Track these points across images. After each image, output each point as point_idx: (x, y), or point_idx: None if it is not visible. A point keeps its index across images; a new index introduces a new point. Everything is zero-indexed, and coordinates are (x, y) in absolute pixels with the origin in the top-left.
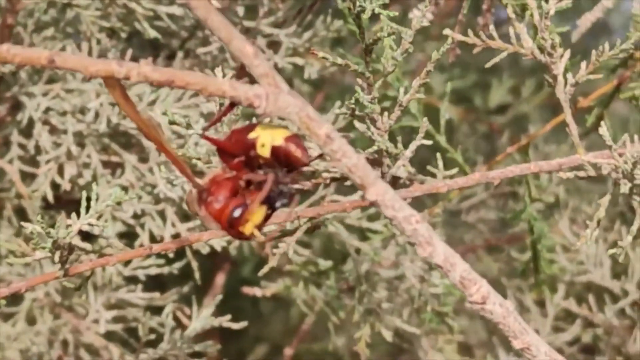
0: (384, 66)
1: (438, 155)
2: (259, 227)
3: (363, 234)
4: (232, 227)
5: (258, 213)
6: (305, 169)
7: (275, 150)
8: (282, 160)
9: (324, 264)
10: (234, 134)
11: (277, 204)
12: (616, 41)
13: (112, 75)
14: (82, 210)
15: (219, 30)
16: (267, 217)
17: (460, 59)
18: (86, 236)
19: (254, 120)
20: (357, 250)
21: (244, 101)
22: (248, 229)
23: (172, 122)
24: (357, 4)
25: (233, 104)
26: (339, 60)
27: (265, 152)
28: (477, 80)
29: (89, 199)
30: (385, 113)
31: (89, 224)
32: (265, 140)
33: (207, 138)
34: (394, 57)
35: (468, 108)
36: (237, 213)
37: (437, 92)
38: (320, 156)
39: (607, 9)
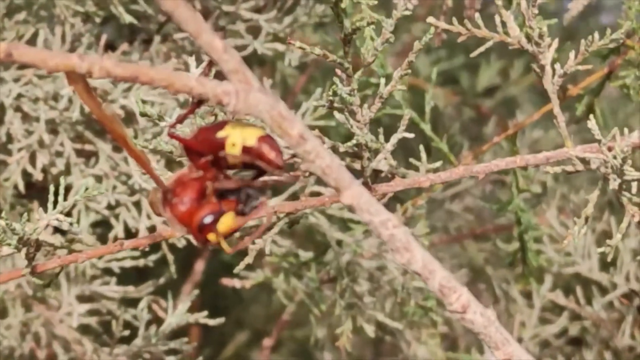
0: (363, 57)
1: (421, 147)
2: (226, 235)
3: (345, 224)
4: (200, 232)
5: (227, 222)
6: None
7: (246, 150)
8: (254, 161)
9: (305, 255)
10: (202, 132)
11: (247, 211)
12: (606, 28)
13: (72, 70)
14: (50, 205)
15: (186, 23)
16: (236, 226)
17: (447, 40)
18: (57, 229)
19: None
20: (339, 242)
21: (213, 98)
22: (215, 237)
23: (143, 114)
24: None
25: (201, 101)
26: (317, 51)
27: (235, 151)
28: (464, 61)
29: (56, 193)
30: (365, 105)
31: (57, 220)
32: (236, 139)
33: (173, 136)
34: (374, 47)
35: (455, 90)
36: (208, 220)
37: (423, 74)
38: (292, 158)
39: None
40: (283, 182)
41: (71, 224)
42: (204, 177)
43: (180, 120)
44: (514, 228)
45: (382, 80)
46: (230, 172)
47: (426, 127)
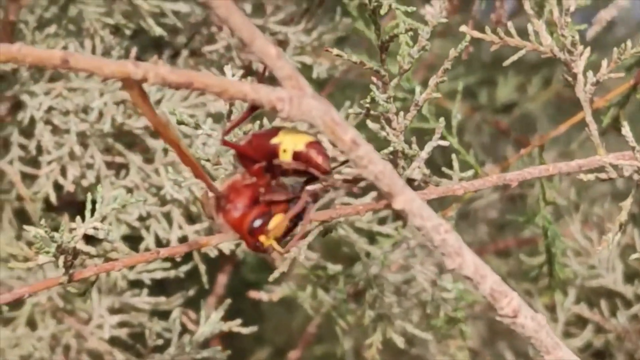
0: (400, 64)
1: (454, 156)
2: (279, 239)
3: (372, 237)
4: (251, 236)
5: (279, 225)
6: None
7: (296, 156)
8: (303, 166)
9: (333, 268)
10: (255, 138)
11: (302, 215)
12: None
13: (127, 76)
14: (87, 213)
15: (240, 30)
16: (287, 231)
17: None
18: (88, 239)
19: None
20: (367, 254)
21: (267, 104)
22: (267, 240)
23: (180, 122)
24: None
25: (253, 108)
26: (354, 58)
27: (287, 157)
28: (482, 77)
29: (93, 202)
30: (401, 113)
31: (94, 228)
32: (288, 145)
33: (226, 143)
34: (410, 55)
35: (473, 106)
36: (257, 223)
37: (442, 90)
38: (344, 163)
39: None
40: (332, 187)
41: (108, 232)
42: (257, 183)
43: (233, 127)
44: (540, 241)
45: (417, 89)
46: (282, 178)
47: (453, 141)
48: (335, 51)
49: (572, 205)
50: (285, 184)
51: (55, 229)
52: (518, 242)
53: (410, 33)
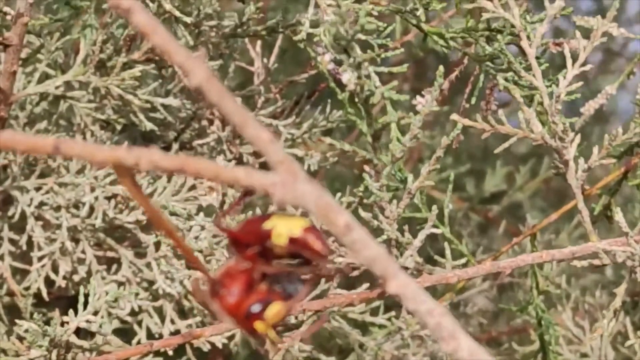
0: (392, 153)
1: (446, 245)
2: (275, 326)
3: (365, 328)
4: (248, 321)
5: (275, 310)
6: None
7: (293, 241)
8: (300, 251)
9: (327, 359)
10: (248, 223)
11: (297, 299)
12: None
13: (119, 162)
14: (80, 306)
15: (232, 115)
16: (283, 316)
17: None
18: (81, 332)
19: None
20: (361, 345)
21: (260, 189)
22: (264, 327)
23: (172, 213)
24: (366, 87)
25: (247, 193)
26: (347, 147)
27: (281, 241)
28: (470, 168)
29: (86, 295)
30: (394, 201)
31: (87, 321)
32: (282, 230)
33: (221, 228)
34: (402, 143)
35: (461, 197)
36: (256, 308)
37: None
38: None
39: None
40: (327, 273)
41: (100, 325)
42: (251, 268)
43: (228, 212)
44: (531, 329)
45: (410, 177)
46: (276, 262)
47: (445, 230)
48: (329, 140)
49: (564, 294)
50: (279, 268)
51: (47, 323)
52: (510, 330)
53: (403, 121)
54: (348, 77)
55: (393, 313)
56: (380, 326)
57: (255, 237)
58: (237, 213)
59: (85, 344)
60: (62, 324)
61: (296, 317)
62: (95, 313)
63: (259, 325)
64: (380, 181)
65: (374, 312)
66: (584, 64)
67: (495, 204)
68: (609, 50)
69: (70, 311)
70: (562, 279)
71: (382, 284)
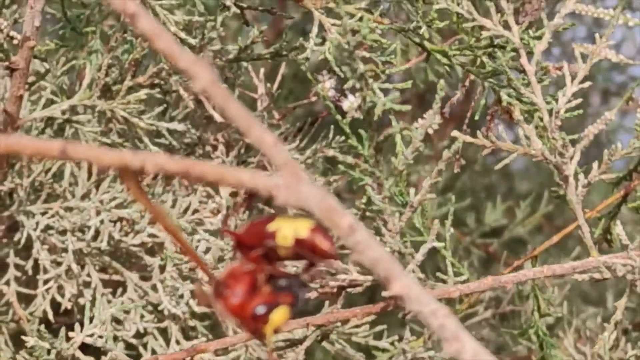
0: (394, 165)
1: (448, 262)
2: (278, 329)
3: (369, 352)
4: (254, 322)
5: (282, 315)
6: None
7: (299, 242)
8: (306, 252)
9: None
10: (253, 226)
11: (299, 303)
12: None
13: (125, 165)
14: (86, 320)
15: (237, 118)
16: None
17: (453, 183)
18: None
19: None
20: None
21: (264, 191)
22: (268, 329)
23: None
24: (368, 99)
25: (252, 195)
26: (349, 159)
27: (287, 243)
28: (471, 203)
29: (90, 310)
30: (397, 214)
31: (92, 335)
32: (287, 232)
33: (226, 231)
34: (405, 156)
35: (462, 231)
36: (261, 310)
37: (429, 215)
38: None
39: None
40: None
41: (106, 340)
42: (255, 270)
43: (233, 214)
44: (533, 355)
45: (412, 191)
46: (280, 264)
47: (447, 254)
48: (331, 152)
49: (565, 321)
50: (283, 271)
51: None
52: (513, 358)
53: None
54: (349, 104)
55: (396, 337)
56: (384, 350)
57: (260, 239)
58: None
59: (91, 359)
60: (68, 339)
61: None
62: (103, 324)
63: (262, 327)
64: (383, 193)
65: (378, 336)
66: (583, 81)
67: (496, 238)
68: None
69: (76, 325)
70: (563, 307)
71: (385, 285)
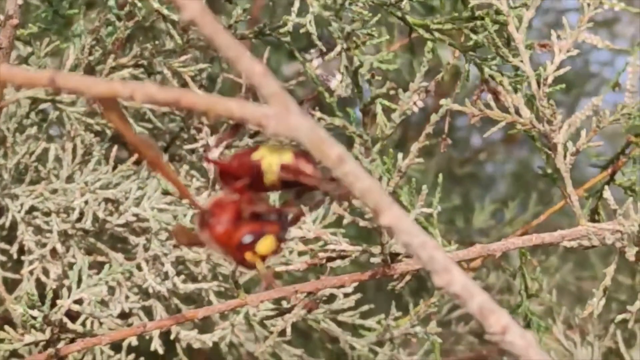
0: (381, 129)
1: (436, 231)
2: (264, 258)
3: (356, 331)
4: (239, 251)
5: (267, 244)
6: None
7: (284, 168)
8: (291, 179)
9: None
10: (237, 156)
11: (286, 235)
12: None
13: (115, 95)
14: (73, 285)
15: (226, 48)
16: (274, 250)
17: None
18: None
19: None
20: (352, 347)
21: (253, 121)
22: (253, 257)
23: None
24: (355, 59)
25: (238, 125)
26: (337, 122)
27: (273, 169)
28: (460, 204)
29: (79, 274)
30: (384, 179)
31: (79, 301)
32: (272, 160)
33: (210, 160)
34: (392, 119)
35: (450, 231)
36: (247, 239)
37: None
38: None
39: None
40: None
41: (94, 305)
42: (240, 199)
43: (218, 144)
44: None
45: (400, 155)
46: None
47: (435, 232)
48: (318, 114)
49: (556, 308)
50: (265, 200)
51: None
52: (501, 350)
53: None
54: (336, 83)
55: (382, 316)
56: (370, 329)
57: (245, 168)
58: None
59: (79, 327)
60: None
61: (288, 302)
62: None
63: (248, 256)
64: (371, 156)
65: (364, 316)
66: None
67: (485, 238)
68: None
69: (64, 290)
70: (553, 294)
71: (374, 216)
